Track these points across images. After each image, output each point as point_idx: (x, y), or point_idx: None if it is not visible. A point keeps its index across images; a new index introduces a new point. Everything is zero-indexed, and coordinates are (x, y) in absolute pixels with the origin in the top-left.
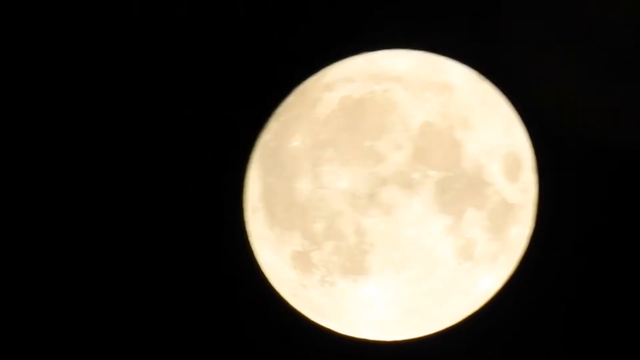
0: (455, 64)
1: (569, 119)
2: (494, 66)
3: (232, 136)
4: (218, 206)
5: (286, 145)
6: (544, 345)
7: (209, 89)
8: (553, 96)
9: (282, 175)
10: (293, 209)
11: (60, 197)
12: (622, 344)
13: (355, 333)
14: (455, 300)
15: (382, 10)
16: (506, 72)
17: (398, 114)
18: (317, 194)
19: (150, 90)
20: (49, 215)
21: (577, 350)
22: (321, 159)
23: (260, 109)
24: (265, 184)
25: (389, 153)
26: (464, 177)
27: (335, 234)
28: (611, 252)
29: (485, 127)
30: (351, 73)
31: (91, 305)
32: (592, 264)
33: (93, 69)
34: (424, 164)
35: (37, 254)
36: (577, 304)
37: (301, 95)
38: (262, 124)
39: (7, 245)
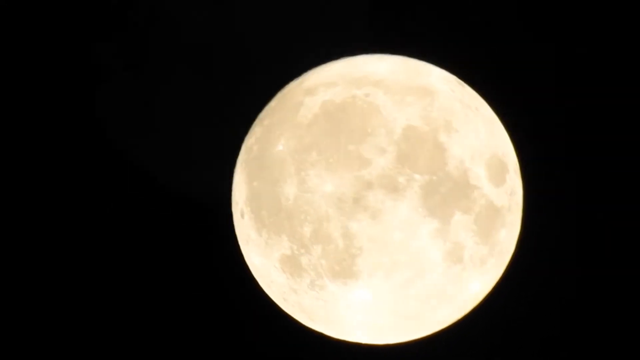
0: (435, 69)
1: (551, 120)
2: (474, 70)
3: (216, 141)
4: (206, 211)
5: (270, 149)
6: (533, 349)
7: (192, 95)
8: (535, 98)
9: (268, 179)
10: (280, 213)
11: (54, 200)
12: (611, 347)
13: (346, 336)
14: (445, 304)
15: (362, 15)
16: (486, 76)
17: (380, 118)
18: (303, 197)
19: (135, 95)
20: (40, 221)
21: (567, 353)
22: (305, 162)
23: (243, 114)
24: (251, 188)
25: (373, 157)
26: (450, 181)
27: (324, 238)
28: (600, 254)
29: (469, 131)
30: (332, 77)
31: (81, 310)
32: (581, 265)
33: (68, 73)
34: (408, 167)
35: (27, 258)
36: (566, 307)
37: (283, 100)
38: (245, 129)
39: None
